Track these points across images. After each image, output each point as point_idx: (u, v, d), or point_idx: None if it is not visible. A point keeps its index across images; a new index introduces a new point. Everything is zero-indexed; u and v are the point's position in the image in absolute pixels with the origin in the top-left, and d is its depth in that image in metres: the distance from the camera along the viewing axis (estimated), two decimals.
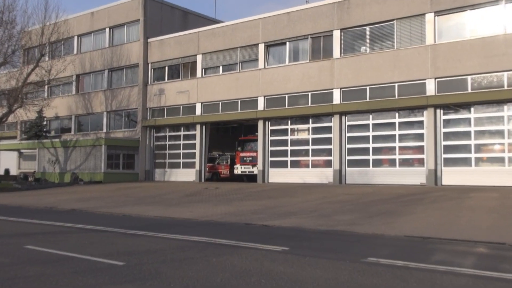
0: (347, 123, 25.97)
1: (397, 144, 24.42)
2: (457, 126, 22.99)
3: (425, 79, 23.55)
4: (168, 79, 34.10)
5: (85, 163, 34.46)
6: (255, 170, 29.90)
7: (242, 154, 31.57)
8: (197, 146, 31.81)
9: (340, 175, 25.70)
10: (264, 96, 28.83)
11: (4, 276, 7.08)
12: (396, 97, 24.30)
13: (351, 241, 10.69)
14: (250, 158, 30.88)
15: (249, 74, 29.60)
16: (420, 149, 23.85)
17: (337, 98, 26.01)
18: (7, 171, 39.34)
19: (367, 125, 25.36)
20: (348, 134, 25.91)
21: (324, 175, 26.38)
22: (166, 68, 34.27)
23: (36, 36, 34.17)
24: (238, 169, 31.61)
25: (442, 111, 23.19)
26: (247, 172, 31.23)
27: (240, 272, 7.23)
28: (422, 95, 23.43)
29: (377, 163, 24.97)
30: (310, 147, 27.31)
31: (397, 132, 24.46)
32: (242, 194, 22.12)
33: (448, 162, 22.93)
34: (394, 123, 24.60)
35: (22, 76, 34.02)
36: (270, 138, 28.85)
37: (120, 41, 36.77)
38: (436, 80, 23.28)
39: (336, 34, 26.36)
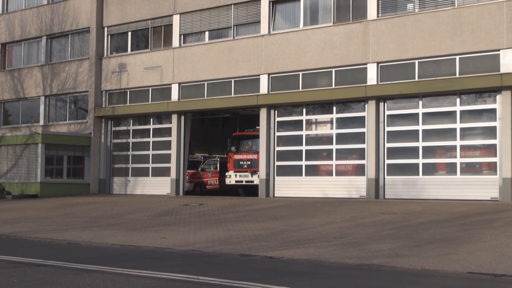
0: (387, 112, 25.97)
1: (458, 143, 24.42)
2: None
3: (498, 50, 23.51)
4: (132, 50, 34.12)
5: (14, 169, 34.47)
6: (255, 180, 29.94)
7: (237, 157, 31.58)
8: (173, 145, 31.81)
9: (376, 187, 25.73)
10: (269, 74, 28.84)
11: None
12: (457, 75, 24.28)
13: (392, 280, 10.70)
14: (249, 163, 30.89)
15: (248, 43, 29.62)
16: (491, 150, 23.85)
17: (372, 76, 26.01)
18: None
19: (416, 115, 25.37)
20: (388, 128, 25.92)
21: (354, 187, 26.41)
22: (129, 34, 34.28)
23: None
24: (232, 178, 31.62)
25: None
26: (244, 182, 31.21)
27: None
28: (494, 73, 23.40)
29: (430, 169, 24.97)
30: (334, 147, 27.32)
31: (458, 125, 24.46)
32: (237, 213, 22.16)
33: None
34: (454, 113, 24.60)
35: None
36: (277, 133, 28.87)
37: None
38: None
39: None
